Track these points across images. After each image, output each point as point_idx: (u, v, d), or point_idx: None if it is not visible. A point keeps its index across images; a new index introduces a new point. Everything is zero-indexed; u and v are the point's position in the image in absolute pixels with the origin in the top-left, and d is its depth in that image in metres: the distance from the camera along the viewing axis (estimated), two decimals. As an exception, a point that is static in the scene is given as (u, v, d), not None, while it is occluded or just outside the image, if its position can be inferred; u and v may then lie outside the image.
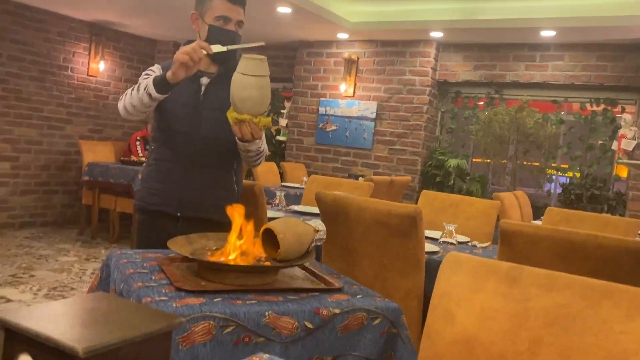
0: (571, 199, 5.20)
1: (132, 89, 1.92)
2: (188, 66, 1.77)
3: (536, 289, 1.01)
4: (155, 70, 2.06)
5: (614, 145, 5.15)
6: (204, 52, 1.80)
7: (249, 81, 1.67)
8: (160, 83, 1.82)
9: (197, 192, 2.03)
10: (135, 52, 7.21)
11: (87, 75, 6.66)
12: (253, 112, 1.71)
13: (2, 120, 5.92)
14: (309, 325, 1.27)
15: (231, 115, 1.74)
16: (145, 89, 1.85)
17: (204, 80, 2.03)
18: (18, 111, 6.03)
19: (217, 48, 1.80)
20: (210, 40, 1.96)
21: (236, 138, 1.85)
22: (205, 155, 2.02)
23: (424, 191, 3.54)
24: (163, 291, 1.29)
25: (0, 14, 5.75)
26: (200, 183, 2.03)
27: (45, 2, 5.85)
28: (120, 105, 1.99)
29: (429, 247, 2.42)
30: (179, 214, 2.03)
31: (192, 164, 2.02)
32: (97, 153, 6.17)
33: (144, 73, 2.07)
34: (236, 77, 1.70)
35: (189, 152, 2.02)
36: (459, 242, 2.77)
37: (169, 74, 1.80)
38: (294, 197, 4.62)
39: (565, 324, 0.96)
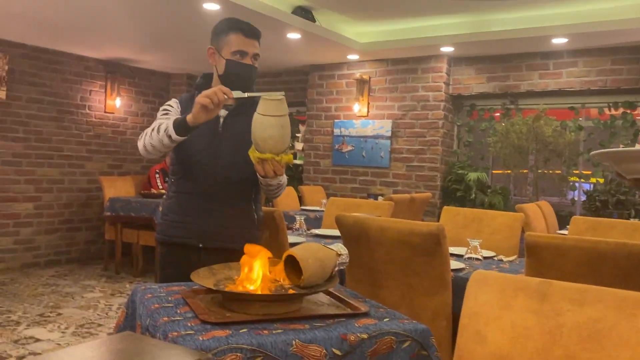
0: (596, 205, 5.11)
1: (152, 130, 1.94)
2: (209, 109, 1.79)
3: (567, 304, 0.98)
4: (173, 104, 2.10)
5: (636, 149, 5.06)
6: (225, 96, 1.81)
7: (270, 121, 1.71)
8: (180, 125, 1.84)
9: (218, 222, 2.04)
10: (150, 86, 7.34)
11: (105, 112, 6.78)
12: (275, 151, 1.75)
13: (25, 162, 6.04)
14: (337, 352, 1.25)
15: (253, 154, 1.77)
16: (165, 130, 1.87)
17: (222, 112, 2.05)
18: (39, 152, 6.16)
19: (237, 94, 1.82)
20: (228, 74, 2.02)
21: (258, 175, 1.87)
22: (225, 185, 2.04)
23: (446, 207, 3.50)
24: (189, 325, 1.29)
25: (19, 58, 5.91)
26: (221, 213, 2.04)
27: (61, 44, 6.00)
28: (140, 144, 2.01)
29: (454, 264, 2.38)
30: (200, 245, 2.04)
31: (212, 194, 2.03)
32: (118, 188, 6.24)
33: (161, 108, 2.10)
34: (256, 118, 1.74)
35: (209, 184, 2.03)
36: (485, 258, 2.73)
37: (189, 117, 1.82)
38: (314, 220, 4.61)
39: (601, 338, 0.93)
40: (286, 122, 1.74)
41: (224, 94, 1.79)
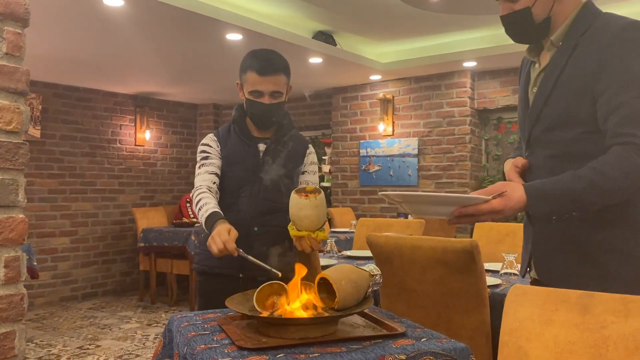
0: (634, 214, 4.97)
1: (197, 206, 1.96)
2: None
3: (611, 316, 0.95)
4: (212, 144, 2.13)
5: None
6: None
7: (305, 203, 1.80)
8: (210, 229, 1.88)
9: (258, 252, 2.02)
10: (178, 118, 7.49)
11: (135, 145, 6.93)
12: (311, 229, 1.84)
13: (60, 197, 6.19)
14: (376, 375, 1.23)
15: (292, 232, 1.87)
16: (204, 223, 1.92)
17: (261, 147, 2.12)
18: (73, 187, 6.31)
19: (242, 253, 1.80)
20: (248, 112, 2.10)
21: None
22: (264, 216, 2.07)
23: (478, 223, 3.45)
24: (225, 351, 1.29)
25: (52, 97, 6.11)
26: (261, 243, 2.04)
27: (91, 82, 6.19)
28: (193, 208, 2.09)
29: (490, 280, 2.34)
30: (241, 275, 2.05)
31: (253, 225, 2.06)
32: (150, 219, 6.34)
33: (200, 150, 2.13)
34: (293, 199, 1.82)
35: (249, 214, 2.06)
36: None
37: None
38: (345, 242, 4.59)
39: (650, 350, 0.90)
40: (321, 203, 1.82)
41: (230, 250, 1.77)
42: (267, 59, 2.05)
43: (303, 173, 2.20)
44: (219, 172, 2.10)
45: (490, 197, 1.34)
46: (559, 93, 1.43)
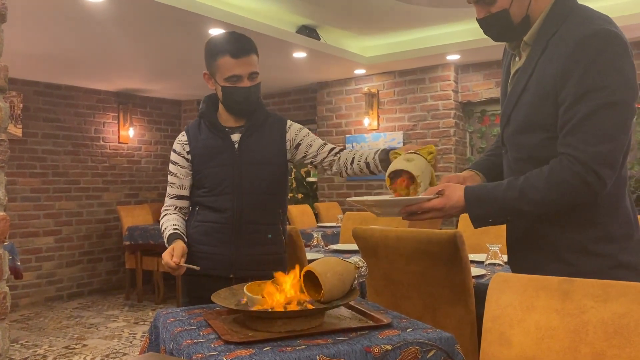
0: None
1: (162, 227, 2.06)
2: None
3: (591, 301, 0.97)
4: (178, 149, 2.06)
5: (652, 143, 4.99)
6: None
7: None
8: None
9: (248, 251, 1.98)
10: (161, 114, 7.44)
11: (119, 142, 6.88)
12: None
13: (43, 197, 6.13)
14: (362, 365, 1.24)
15: (427, 154, 1.72)
16: (164, 238, 2.03)
17: (236, 137, 2.01)
18: (57, 186, 6.25)
19: (182, 264, 1.86)
20: (227, 100, 1.97)
21: (377, 170, 2.10)
22: (252, 211, 1.98)
23: (463, 214, 3.47)
24: (212, 346, 1.29)
25: (33, 95, 6.03)
26: (250, 242, 1.98)
27: (72, 79, 6.12)
28: (161, 221, 2.12)
29: (475, 271, 2.36)
30: (231, 276, 1.97)
31: (240, 222, 1.97)
32: (136, 217, 6.30)
33: (172, 150, 2.08)
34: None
35: (236, 211, 1.97)
36: (506, 262, 2.69)
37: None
38: (332, 237, 4.61)
39: (627, 333, 0.92)
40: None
41: (180, 266, 1.85)
42: (237, 40, 1.94)
43: (299, 144, 2.06)
44: (183, 191, 2.07)
45: (432, 196, 1.48)
46: (526, 97, 1.45)
